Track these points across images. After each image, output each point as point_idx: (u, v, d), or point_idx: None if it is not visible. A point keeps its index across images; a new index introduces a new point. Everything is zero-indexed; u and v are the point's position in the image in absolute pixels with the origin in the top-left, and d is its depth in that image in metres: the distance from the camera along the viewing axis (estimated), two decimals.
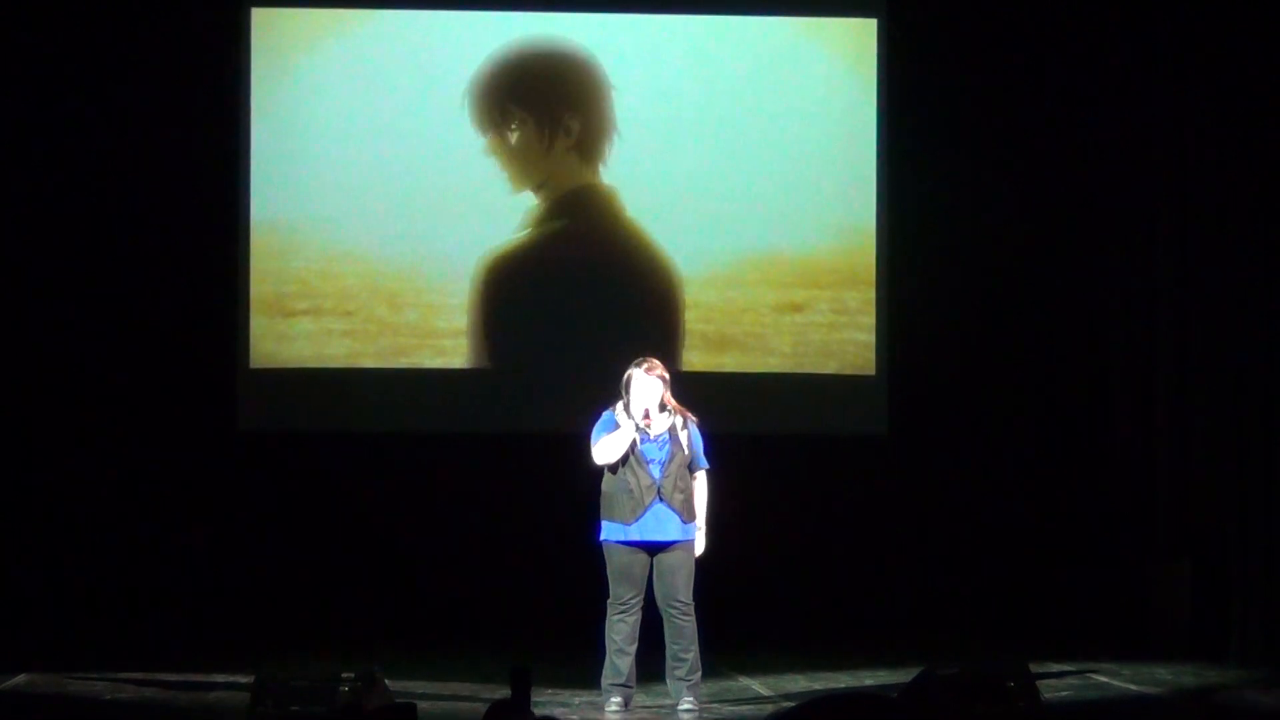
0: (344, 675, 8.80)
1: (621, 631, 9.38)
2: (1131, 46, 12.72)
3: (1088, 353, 13.11)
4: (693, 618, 9.43)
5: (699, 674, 9.52)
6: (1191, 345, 12.30)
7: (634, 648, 9.44)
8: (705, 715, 9.55)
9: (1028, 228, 13.13)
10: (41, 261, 12.64)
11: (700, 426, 9.52)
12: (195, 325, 12.75)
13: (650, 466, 9.33)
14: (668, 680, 9.52)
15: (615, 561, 9.39)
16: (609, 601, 9.44)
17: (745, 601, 12.58)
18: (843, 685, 10.73)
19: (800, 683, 10.77)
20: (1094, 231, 13.08)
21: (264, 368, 12.85)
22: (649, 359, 9.48)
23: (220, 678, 10.56)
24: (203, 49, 12.76)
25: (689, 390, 10.50)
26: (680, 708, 9.43)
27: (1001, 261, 13.12)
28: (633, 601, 9.37)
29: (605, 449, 9.35)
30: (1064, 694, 10.26)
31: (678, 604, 9.37)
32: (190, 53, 12.73)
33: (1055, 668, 11.11)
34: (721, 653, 11.27)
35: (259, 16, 12.91)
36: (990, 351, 13.17)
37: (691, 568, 9.43)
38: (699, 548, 9.46)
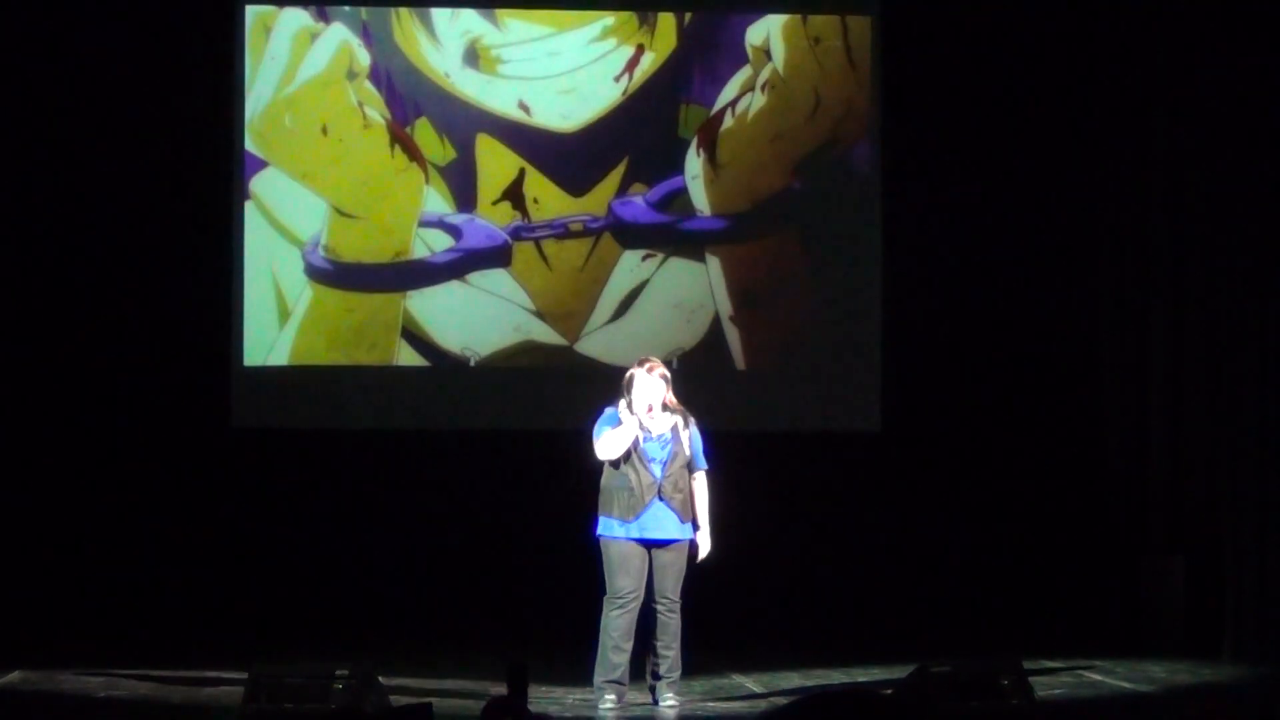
0: (338, 672, 8.78)
1: (619, 627, 9.38)
2: (1128, 44, 12.73)
3: (1081, 348, 13.12)
4: (678, 615, 9.44)
5: (679, 672, 9.54)
6: (1184, 339, 12.31)
7: (630, 644, 9.44)
8: (698, 712, 9.55)
9: (1023, 224, 13.14)
10: (34, 260, 12.63)
11: (700, 427, 9.54)
12: (188, 322, 12.74)
13: (651, 465, 9.35)
14: (648, 676, 9.53)
15: (613, 555, 9.39)
16: (606, 597, 9.44)
17: (739, 598, 12.58)
18: (837, 682, 10.73)
19: (794, 680, 10.77)
20: (1089, 228, 13.09)
21: (257, 365, 12.84)
22: (650, 359, 9.52)
23: (214, 674, 10.55)
24: (196, 48, 12.75)
25: (683, 388, 10.49)
26: (663, 704, 9.44)
27: (996, 258, 13.13)
28: (631, 596, 9.38)
29: (608, 444, 9.35)
30: (1058, 691, 10.27)
31: (665, 600, 9.39)
32: (184, 51, 12.71)
33: (1049, 665, 11.12)
34: (715, 650, 11.28)
35: (253, 15, 12.90)
36: (983, 348, 13.17)
37: (683, 566, 9.45)
38: (705, 548, 9.46)
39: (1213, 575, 11.83)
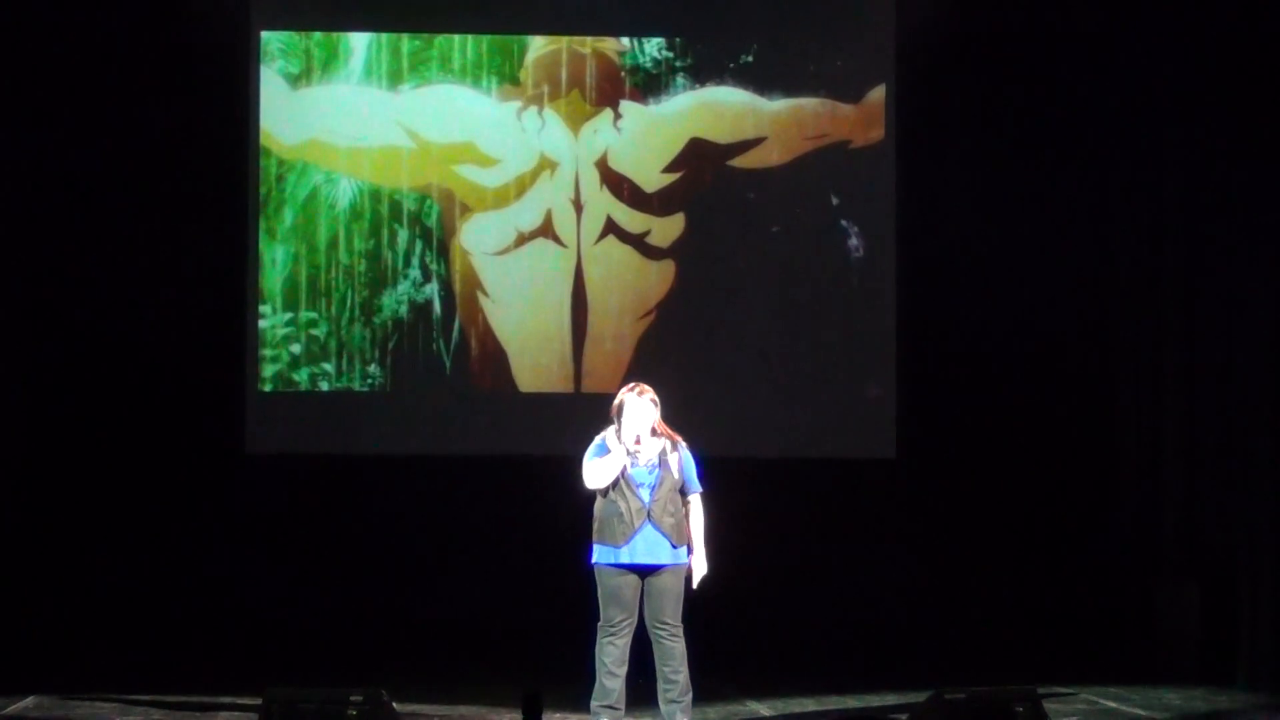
0: (352, 698, 8.78)
1: (611, 654, 9.38)
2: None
3: (1095, 375, 13.11)
4: (681, 639, 9.41)
5: (690, 696, 9.51)
6: (1199, 366, 12.30)
7: (624, 670, 9.43)
8: None
9: (1037, 252, 13.15)
10: (50, 283, 12.66)
11: (692, 450, 9.52)
12: (204, 348, 12.77)
13: (639, 490, 9.34)
14: (660, 702, 9.51)
15: (606, 584, 9.39)
16: (599, 624, 9.44)
17: (753, 625, 12.58)
18: (851, 708, 10.71)
19: (808, 706, 10.76)
20: (1103, 256, 13.09)
21: (273, 391, 12.87)
22: (640, 384, 9.49)
23: (227, 699, 10.56)
24: (211, 72, 12.79)
25: (695, 412, 10.50)
26: None
27: (1011, 285, 13.13)
28: (623, 624, 9.37)
29: (594, 474, 9.36)
30: (1072, 718, 10.25)
31: (665, 625, 9.37)
32: (199, 75, 12.75)
33: (1063, 691, 11.10)
34: (729, 676, 11.27)
35: (268, 40, 12.95)
36: (998, 374, 13.18)
37: (680, 590, 9.42)
38: (701, 569, 9.44)
39: (1228, 601, 11.79)
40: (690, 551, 9.44)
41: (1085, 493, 13.07)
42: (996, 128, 13.13)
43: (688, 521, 9.43)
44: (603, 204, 13.18)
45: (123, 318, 12.71)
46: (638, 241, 13.22)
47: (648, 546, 9.33)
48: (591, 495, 9.45)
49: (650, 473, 9.35)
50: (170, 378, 12.73)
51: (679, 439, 9.48)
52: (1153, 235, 12.69)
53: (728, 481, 9.62)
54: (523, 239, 13.17)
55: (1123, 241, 12.97)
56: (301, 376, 12.93)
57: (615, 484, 9.34)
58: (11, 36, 12.47)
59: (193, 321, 12.76)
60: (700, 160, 13.25)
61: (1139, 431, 12.77)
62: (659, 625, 9.37)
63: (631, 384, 9.50)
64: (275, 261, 12.94)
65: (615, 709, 9.43)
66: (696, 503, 9.47)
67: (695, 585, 9.41)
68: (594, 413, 9.71)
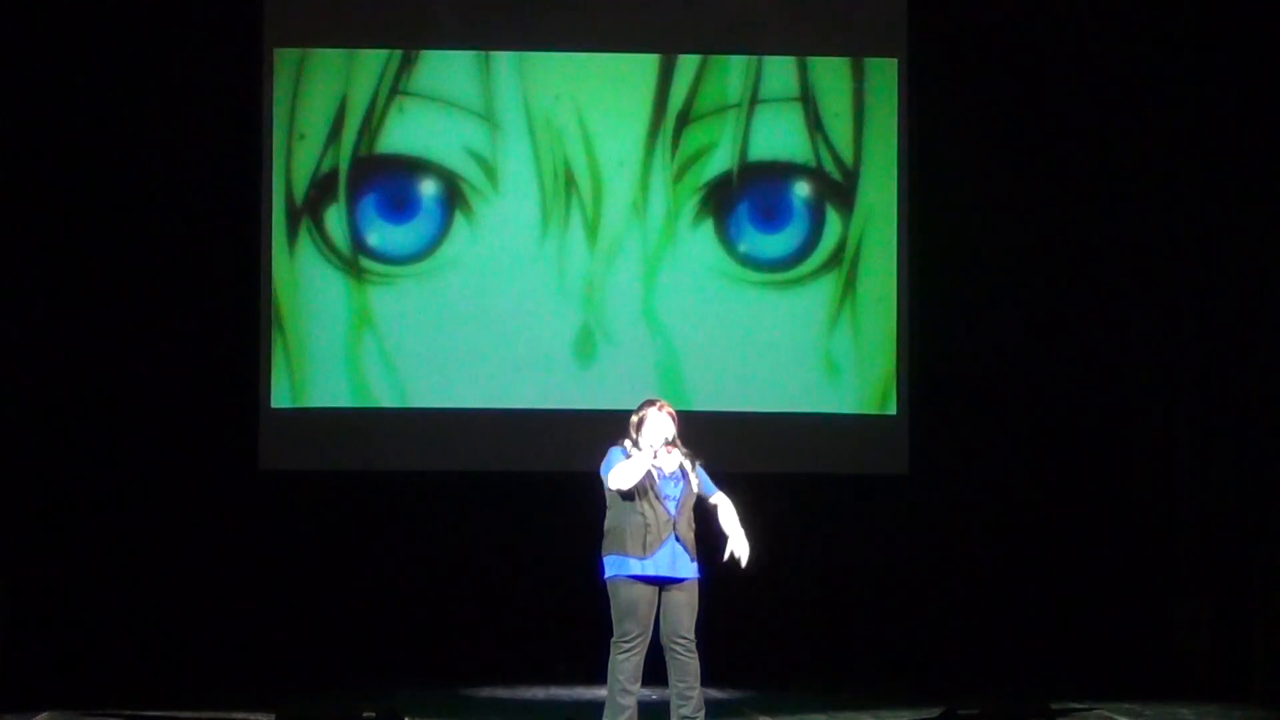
0: (365, 713, 8.80)
1: (625, 670, 9.33)
2: (1153, 85, 12.73)
3: (1108, 392, 13.10)
4: (695, 654, 9.38)
5: (703, 712, 9.48)
6: (1213, 383, 12.30)
7: (637, 686, 9.39)
8: None
9: (1050, 266, 13.14)
10: (64, 300, 12.68)
11: (705, 467, 9.51)
12: (217, 365, 12.79)
13: (667, 503, 9.31)
14: (672, 718, 9.50)
15: (622, 597, 9.32)
16: (613, 639, 9.38)
17: (766, 641, 12.57)
18: None
19: None
20: (1117, 271, 13.09)
21: (285, 407, 12.89)
22: (659, 399, 9.49)
23: (240, 715, 10.57)
24: (224, 88, 12.83)
25: (708, 429, 10.47)
26: None
27: (1023, 300, 13.14)
28: (638, 638, 9.33)
29: (622, 473, 9.25)
30: None
31: (681, 640, 9.34)
32: (212, 92, 12.79)
33: (1077, 707, 11.09)
34: (743, 692, 11.26)
35: (281, 57, 12.99)
36: (1010, 390, 13.17)
37: (696, 605, 9.39)
38: (744, 551, 9.34)
39: (1242, 617, 11.79)
40: (703, 568, 9.41)
41: (1098, 508, 13.06)
42: (1007, 143, 13.13)
43: (718, 519, 9.41)
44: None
45: (137, 334, 12.73)
46: None
47: (670, 559, 9.29)
48: (603, 510, 9.42)
49: (676, 485, 9.35)
50: (184, 394, 12.75)
51: (696, 456, 9.48)
52: (1168, 252, 12.69)
53: (741, 497, 9.60)
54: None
55: (1137, 252, 12.96)
56: (314, 392, 12.93)
57: (643, 493, 9.30)
58: (22, 54, 12.50)
59: (205, 338, 12.78)
60: None
61: (1153, 447, 12.76)
62: (675, 640, 9.35)
63: (651, 398, 9.50)
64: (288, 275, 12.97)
65: None
66: (723, 497, 9.43)
67: (744, 565, 9.31)
68: (606, 429, 9.69)
